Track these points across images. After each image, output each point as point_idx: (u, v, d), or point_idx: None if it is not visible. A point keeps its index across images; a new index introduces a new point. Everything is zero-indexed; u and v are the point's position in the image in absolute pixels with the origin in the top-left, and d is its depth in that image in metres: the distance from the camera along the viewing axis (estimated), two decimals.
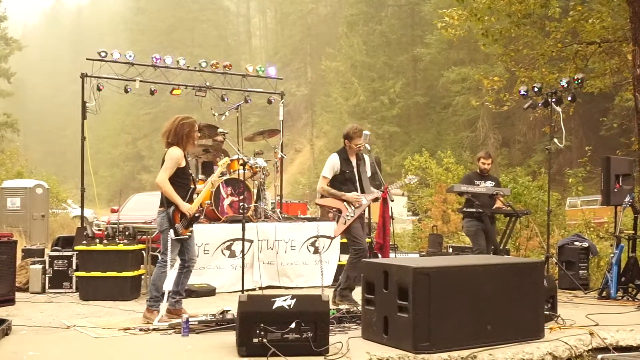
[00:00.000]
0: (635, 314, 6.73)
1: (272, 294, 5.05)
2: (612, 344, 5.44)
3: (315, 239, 9.03)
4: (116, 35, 67.31)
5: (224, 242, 8.47)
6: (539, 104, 9.52)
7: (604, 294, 7.79)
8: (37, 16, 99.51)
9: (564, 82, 9.24)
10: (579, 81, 9.08)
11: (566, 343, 5.25)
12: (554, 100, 9.17)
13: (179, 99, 14.98)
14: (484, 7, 12.34)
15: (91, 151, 10.42)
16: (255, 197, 9.38)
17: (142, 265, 8.19)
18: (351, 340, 5.11)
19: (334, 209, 7.00)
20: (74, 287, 8.22)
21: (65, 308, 7.16)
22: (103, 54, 9.95)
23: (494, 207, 8.61)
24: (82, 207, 9.91)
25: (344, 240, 7.49)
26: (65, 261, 8.30)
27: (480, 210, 8.29)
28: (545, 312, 5.70)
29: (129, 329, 5.70)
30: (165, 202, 6.08)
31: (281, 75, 12.54)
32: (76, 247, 8.16)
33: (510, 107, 14.62)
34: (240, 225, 7.10)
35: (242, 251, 7.44)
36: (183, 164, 6.14)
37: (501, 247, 8.58)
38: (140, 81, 10.49)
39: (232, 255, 8.49)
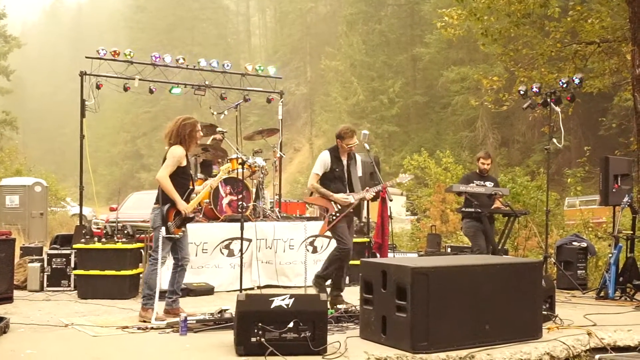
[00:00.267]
0: (633, 314, 6.74)
1: (270, 293, 5.04)
2: (610, 344, 5.45)
3: (314, 238, 9.04)
4: (116, 33, 67.22)
5: (223, 241, 8.48)
6: (538, 104, 9.53)
7: (602, 294, 7.80)
8: (36, 14, 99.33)
9: (563, 82, 9.25)
10: (579, 81, 9.09)
11: (564, 343, 5.26)
12: (553, 100, 9.17)
13: (178, 98, 14.99)
14: (484, 7, 12.36)
15: (90, 149, 10.42)
16: (254, 196, 9.39)
17: (140, 264, 8.18)
18: (349, 340, 5.11)
19: (322, 207, 7.00)
20: (72, 285, 8.23)
21: (63, 306, 7.16)
22: (102, 52, 9.93)
23: (492, 207, 8.62)
24: (80, 205, 9.89)
25: None
26: (64, 259, 8.31)
27: (479, 210, 8.29)
28: (544, 312, 5.71)
29: (127, 327, 5.71)
30: (161, 199, 6.07)
31: (280, 74, 12.51)
32: (75, 246, 8.17)
33: (509, 107, 14.65)
34: (238, 224, 7.09)
35: (241, 250, 7.43)
36: (184, 163, 6.15)
37: (499, 247, 8.58)
38: (140, 79, 10.48)
39: (231, 254, 8.49)
